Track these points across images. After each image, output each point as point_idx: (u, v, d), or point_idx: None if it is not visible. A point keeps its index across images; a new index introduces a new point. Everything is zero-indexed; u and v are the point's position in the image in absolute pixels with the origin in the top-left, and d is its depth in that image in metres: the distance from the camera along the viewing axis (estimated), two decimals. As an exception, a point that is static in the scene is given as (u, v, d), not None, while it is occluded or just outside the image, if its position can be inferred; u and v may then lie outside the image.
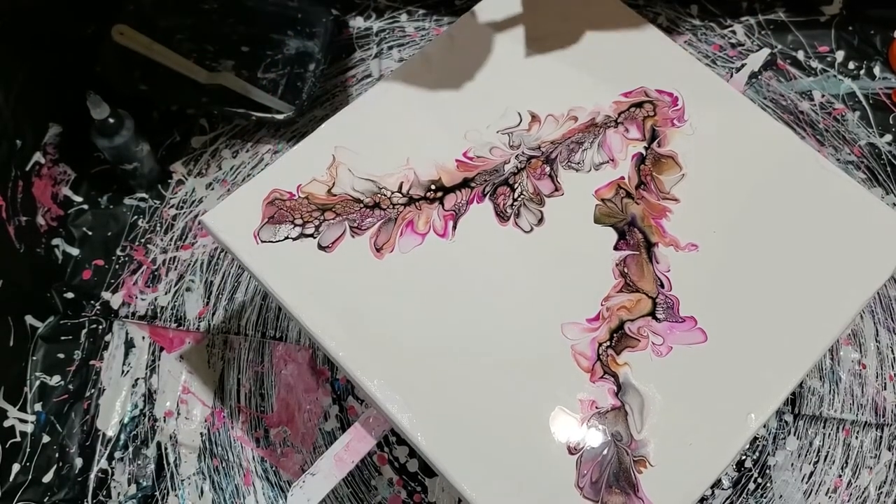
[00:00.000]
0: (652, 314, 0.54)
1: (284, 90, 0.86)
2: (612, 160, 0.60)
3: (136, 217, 0.81)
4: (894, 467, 0.73)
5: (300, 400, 0.74)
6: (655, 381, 0.52)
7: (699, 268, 0.56)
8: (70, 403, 0.73)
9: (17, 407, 0.71)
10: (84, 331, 0.76)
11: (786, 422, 0.74)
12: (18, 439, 0.70)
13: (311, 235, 0.56)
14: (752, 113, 0.63)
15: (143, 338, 0.76)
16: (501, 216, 0.57)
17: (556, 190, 0.59)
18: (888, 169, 0.86)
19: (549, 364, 0.52)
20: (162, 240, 0.80)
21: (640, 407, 0.51)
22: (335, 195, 0.57)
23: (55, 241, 0.78)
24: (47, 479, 0.70)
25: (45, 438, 0.71)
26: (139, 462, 0.71)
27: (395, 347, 0.52)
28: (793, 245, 0.57)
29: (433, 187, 0.58)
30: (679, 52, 0.65)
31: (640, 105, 0.62)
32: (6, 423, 0.70)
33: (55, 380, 0.73)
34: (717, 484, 0.72)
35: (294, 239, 0.56)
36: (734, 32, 0.93)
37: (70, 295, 0.77)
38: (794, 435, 0.74)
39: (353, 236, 0.56)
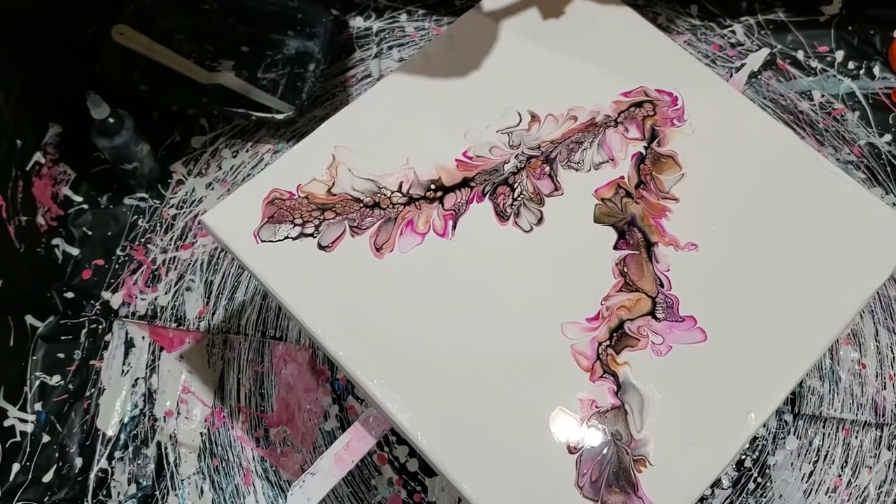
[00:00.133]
0: (652, 313, 0.54)
1: (284, 90, 0.86)
2: (612, 160, 0.60)
3: (136, 217, 0.81)
4: (894, 467, 0.73)
5: (300, 400, 0.74)
6: (655, 380, 0.52)
7: (699, 267, 0.56)
8: (70, 403, 0.73)
9: (17, 407, 0.71)
10: (84, 331, 0.76)
11: (785, 421, 0.74)
12: (18, 439, 0.70)
13: (311, 235, 0.56)
14: (751, 113, 0.63)
15: (143, 337, 0.76)
16: (501, 216, 0.57)
17: (556, 189, 0.59)
18: (888, 169, 0.86)
19: (549, 363, 0.52)
20: (162, 240, 0.80)
21: (639, 406, 0.51)
22: (335, 195, 0.57)
23: (55, 241, 0.78)
24: (47, 478, 0.70)
25: (45, 438, 0.71)
26: (139, 462, 0.71)
27: (395, 347, 0.53)
28: (792, 245, 0.57)
29: (433, 187, 0.58)
30: (679, 52, 0.65)
31: (639, 105, 0.62)
32: (6, 423, 0.70)
33: (55, 380, 0.73)
34: (717, 483, 0.72)
35: (294, 238, 0.56)
36: (734, 32, 0.93)
37: (70, 295, 0.77)
38: (794, 434, 0.74)
39: (352, 236, 0.56)
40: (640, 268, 0.56)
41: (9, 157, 0.73)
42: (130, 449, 0.72)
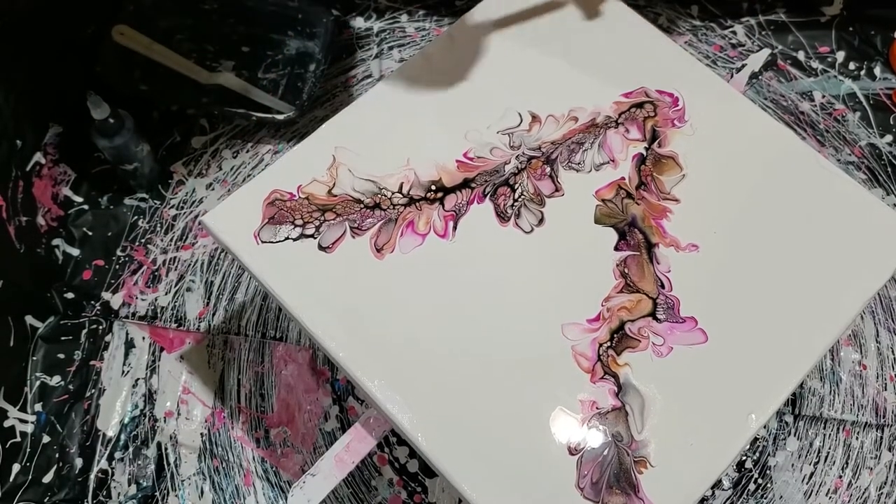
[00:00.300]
0: (652, 315, 0.54)
1: (285, 90, 0.86)
2: (613, 161, 0.60)
3: (136, 217, 0.81)
4: (895, 468, 0.73)
5: (300, 400, 0.74)
6: (656, 381, 0.52)
7: (700, 268, 0.56)
8: (70, 403, 0.73)
9: (18, 407, 0.71)
10: (84, 331, 0.76)
11: (786, 422, 0.74)
12: (18, 439, 0.70)
13: (312, 236, 0.56)
14: (752, 113, 0.63)
15: (144, 338, 0.76)
16: (502, 216, 0.57)
17: (557, 190, 0.59)
18: (888, 169, 0.86)
19: (550, 364, 0.52)
20: (162, 240, 0.80)
21: (640, 407, 0.51)
22: (335, 196, 0.57)
23: (55, 242, 0.78)
24: (47, 479, 0.70)
25: (46, 438, 0.71)
26: (139, 462, 0.71)
27: (395, 348, 0.52)
28: (793, 245, 0.57)
29: (433, 188, 0.58)
30: (679, 53, 0.65)
31: (640, 105, 0.62)
32: (6, 424, 0.70)
33: (55, 380, 0.73)
34: (718, 484, 0.72)
35: (294, 239, 0.55)
36: (734, 33, 0.93)
37: (70, 295, 0.77)
38: (795, 435, 0.74)
39: (353, 237, 0.56)
40: (641, 269, 0.56)
41: (9, 157, 0.73)
42: (131, 449, 0.72)
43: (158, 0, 0.87)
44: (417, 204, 0.57)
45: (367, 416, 0.54)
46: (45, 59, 0.78)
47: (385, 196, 0.57)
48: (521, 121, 0.61)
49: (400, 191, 0.58)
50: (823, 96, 0.89)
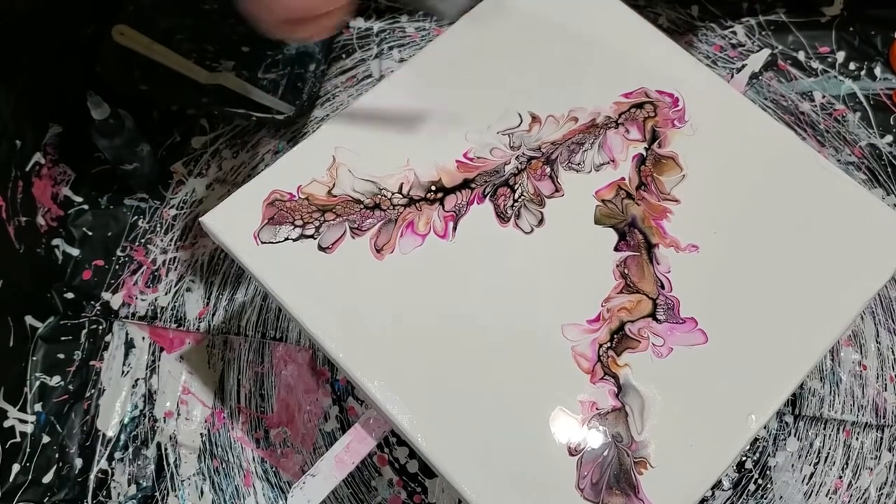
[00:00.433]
0: (652, 315, 0.54)
1: (285, 90, 0.86)
2: (613, 161, 0.60)
3: (136, 217, 0.81)
4: (895, 468, 0.73)
5: (300, 401, 0.74)
6: (656, 382, 0.52)
7: (700, 269, 0.56)
8: (70, 404, 0.73)
9: (17, 407, 0.71)
10: (84, 331, 0.76)
11: (786, 423, 0.74)
12: (18, 439, 0.70)
13: (312, 236, 0.56)
14: (752, 114, 0.63)
15: (143, 338, 0.76)
16: (502, 217, 0.57)
17: (557, 191, 0.58)
18: (889, 170, 0.86)
19: (550, 365, 0.52)
20: (162, 240, 0.80)
21: (640, 408, 0.51)
22: (335, 196, 0.57)
23: (55, 242, 0.78)
24: (47, 479, 0.70)
25: (45, 439, 0.71)
26: (139, 462, 0.71)
27: (395, 348, 0.52)
28: (793, 246, 0.57)
29: (433, 188, 0.58)
30: (680, 53, 0.65)
31: (640, 106, 0.62)
32: (6, 424, 0.70)
33: (55, 380, 0.73)
34: (718, 485, 0.72)
35: (294, 240, 0.55)
36: (735, 33, 0.93)
37: (70, 295, 0.77)
38: (795, 436, 0.74)
39: (353, 237, 0.56)
40: (641, 269, 0.56)
41: (9, 157, 0.73)
42: (130, 450, 0.72)
43: (158, 0, 0.87)
44: (417, 204, 0.57)
45: (367, 416, 0.54)
46: (45, 59, 0.78)
47: (385, 196, 0.57)
48: (521, 121, 0.61)
49: (400, 191, 0.58)
50: (824, 96, 0.89)
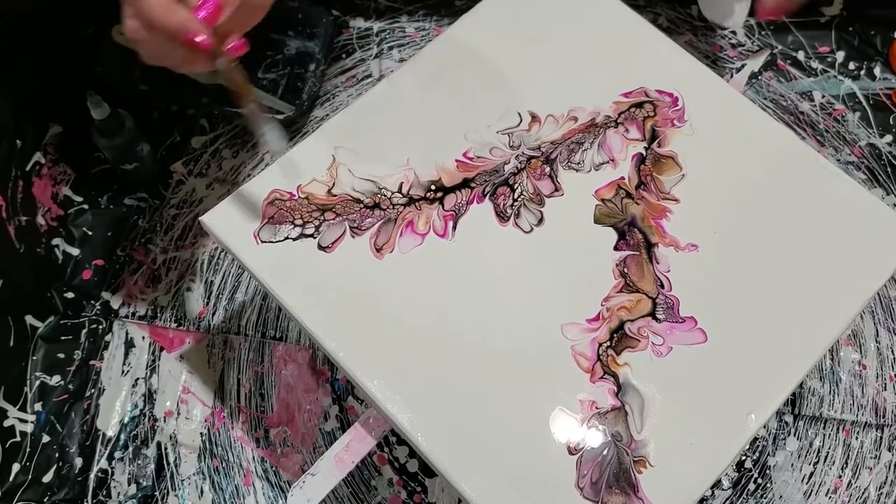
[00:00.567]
0: (652, 314, 0.54)
1: (284, 90, 0.86)
2: (612, 160, 0.60)
3: (136, 217, 0.81)
4: (894, 468, 0.73)
5: (300, 400, 0.74)
6: (655, 381, 0.52)
7: (699, 268, 0.56)
8: (70, 403, 0.73)
9: (17, 407, 0.71)
10: (84, 331, 0.76)
11: (786, 422, 0.74)
12: (18, 439, 0.70)
13: (312, 236, 0.56)
14: (752, 113, 0.63)
15: (143, 338, 0.76)
16: (501, 216, 0.57)
17: (556, 190, 0.59)
18: (888, 169, 0.86)
19: (549, 364, 0.52)
20: (162, 240, 0.80)
21: (640, 407, 0.51)
22: (335, 195, 0.57)
23: (55, 241, 0.78)
24: (47, 478, 0.70)
25: (45, 438, 0.71)
26: (139, 462, 0.71)
27: (395, 348, 0.52)
28: (793, 245, 0.57)
29: (433, 187, 0.58)
30: (679, 53, 0.65)
31: (640, 105, 0.62)
32: (6, 423, 0.70)
33: (55, 380, 0.73)
34: (717, 484, 0.72)
35: (294, 239, 0.55)
36: (734, 33, 0.93)
37: (70, 295, 0.77)
38: (794, 435, 0.74)
39: (353, 237, 0.56)
40: (641, 268, 0.56)
41: (9, 157, 0.73)
42: (130, 449, 0.72)
43: (158, 0, 0.87)
44: (417, 204, 0.57)
45: (367, 415, 0.54)
46: (45, 59, 0.78)
47: (385, 196, 0.57)
48: (521, 121, 0.61)
49: (399, 191, 0.58)
50: (823, 96, 0.89)
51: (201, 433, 0.72)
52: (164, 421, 0.73)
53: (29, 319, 0.74)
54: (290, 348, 0.76)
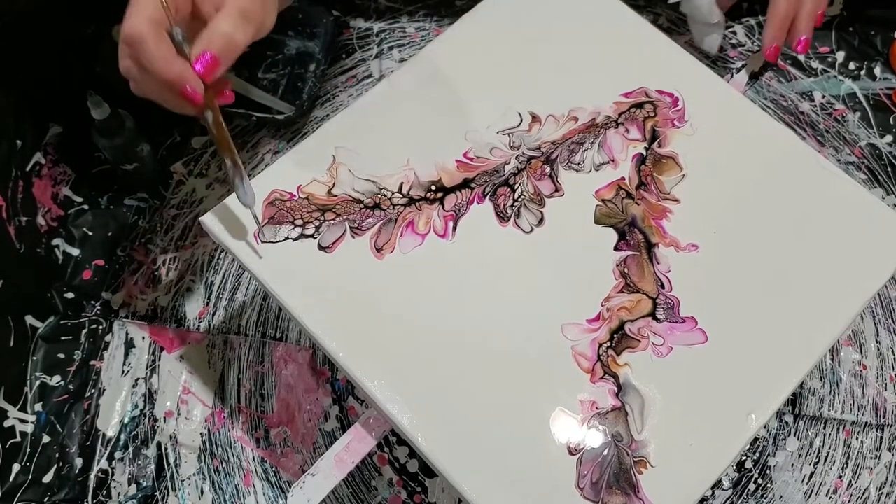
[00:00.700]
0: (652, 315, 0.54)
1: (285, 90, 0.86)
2: (613, 161, 0.60)
3: (136, 217, 0.81)
4: (895, 468, 0.73)
5: (300, 400, 0.74)
6: (656, 381, 0.52)
7: (700, 268, 0.56)
8: (70, 403, 0.73)
9: (18, 407, 0.71)
10: (84, 331, 0.76)
11: (786, 422, 0.74)
12: (18, 439, 0.70)
13: (312, 236, 0.56)
14: (752, 113, 0.63)
15: (144, 338, 0.76)
16: (502, 217, 0.57)
17: (557, 190, 0.59)
18: (889, 170, 0.86)
19: (550, 365, 0.52)
20: (162, 240, 0.80)
21: (640, 407, 0.51)
22: (335, 196, 0.57)
23: (55, 241, 0.78)
24: (47, 479, 0.70)
25: (45, 438, 0.71)
26: (139, 462, 0.71)
27: (395, 348, 0.52)
28: (793, 245, 0.57)
29: (433, 188, 0.58)
30: (680, 53, 0.65)
31: (640, 105, 0.62)
32: (6, 423, 0.70)
33: (55, 380, 0.73)
34: (718, 484, 0.72)
35: (294, 239, 0.55)
36: (735, 33, 0.93)
37: (70, 295, 0.77)
38: (795, 436, 0.74)
39: (353, 237, 0.56)
40: (641, 269, 0.56)
41: (9, 157, 0.73)
42: (130, 449, 0.72)
43: (158, 0, 0.87)
44: (417, 204, 0.57)
45: (367, 416, 0.54)
46: (45, 59, 0.78)
47: (385, 196, 0.57)
48: (521, 121, 0.61)
49: (400, 191, 0.58)
50: (823, 96, 0.89)
51: (201, 433, 0.72)
52: (165, 421, 0.73)
53: (29, 320, 0.74)
54: (290, 348, 0.76)
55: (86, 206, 0.81)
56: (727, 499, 0.71)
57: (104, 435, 0.72)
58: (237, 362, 0.75)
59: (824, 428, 0.74)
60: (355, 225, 0.56)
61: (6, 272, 0.70)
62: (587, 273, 0.56)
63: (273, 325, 0.77)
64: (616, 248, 0.56)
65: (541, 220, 0.57)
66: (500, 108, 0.61)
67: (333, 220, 0.56)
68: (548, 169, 0.59)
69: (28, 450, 0.70)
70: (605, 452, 0.50)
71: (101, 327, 0.76)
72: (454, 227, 0.57)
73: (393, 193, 0.58)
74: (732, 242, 0.57)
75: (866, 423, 0.74)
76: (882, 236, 0.58)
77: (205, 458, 0.72)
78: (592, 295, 0.55)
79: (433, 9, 0.93)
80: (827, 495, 0.72)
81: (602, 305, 0.54)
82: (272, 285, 0.54)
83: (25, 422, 0.71)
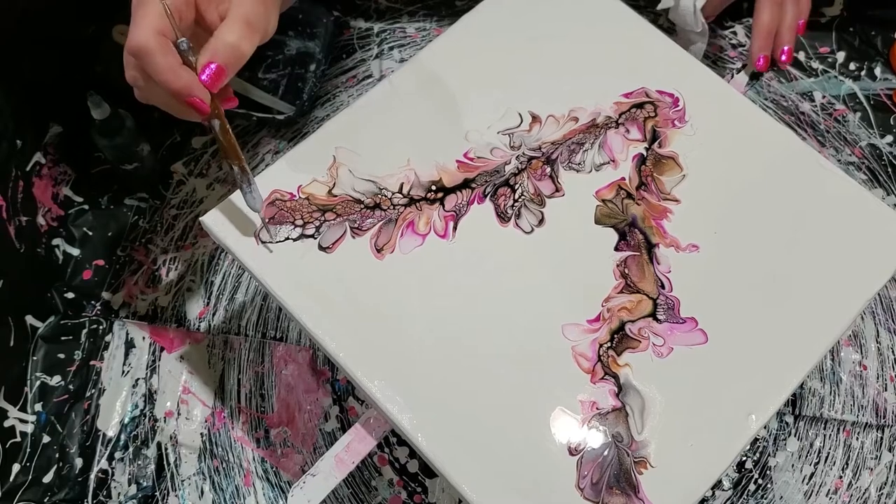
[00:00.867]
0: (653, 315, 0.54)
1: (285, 90, 0.86)
2: (613, 161, 0.60)
3: (136, 217, 0.81)
4: (895, 468, 0.73)
5: (300, 400, 0.74)
6: (656, 382, 0.52)
7: (700, 269, 0.56)
8: (70, 403, 0.73)
9: (18, 407, 0.71)
10: (84, 331, 0.76)
11: (786, 423, 0.74)
12: (18, 439, 0.70)
13: (312, 236, 0.56)
14: (752, 114, 0.63)
15: (144, 338, 0.76)
16: (502, 217, 0.57)
17: (557, 191, 0.59)
18: (889, 170, 0.86)
19: (550, 365, 0.52)
20: (162, 240, 0.80)
21: (640, 408, 0.51)
22: (336, 196, 0.57)
23: (55, 241, 0.78)
24: (47, 479, 0.70)
25: (46, 438, 0.71)
26: (139, 462, 0.71)
27: (395, 348, 0.52)
28: (793, 246, 0.57)
29: (434, 188, 0.58)
30: (680, 53, 0.65)
31: (640, 106, 0.62)
32: (6, 423, 0.70)
33: (55, 380, 0.73)
34: (718, 485, 0.72)
35: (294, 240, 0.55)
36: (735, 33, 0.93)
37: (70, 295, 0.77)
38: (795, 436, 0.74)
39: (353, 237, 0.56)
40: (641, 269, 0.56)
41: (9, 157, 0.73)
42: (131, 449, 0.72)
43: (159, 0, 0.87)
44: (417, 204, 0.57)
45: (368, 416, 0.54)
46: (45, 59, 0.78)
47: (385, 196, 0.57)
48: (522, 121, 0.61)
49: (400, 191, 0.58)
50: (824, 97, 0.89)
51: (201, 433, 0.72)
52: (165, 421, 0.73)
53: (29, 319, 0.74)
54: (290, 349, 0.76)
55: (86, 206, 0.81)
56: (727, 499, 0.71)
57: (104, 435, 0.72)
58: (237, 362, 0.75)
59: (824, 428, 0.74)
60: (356, 225, 0.56)
61: (6, 272, 0.70)
62: (587, 273, 0.56)
63: (273, 326, 0.77)
64: (616, 249, 0.56)
65: (541, 221, 0.57)
66: (501, 109, 0.61)
67: (334, 220, 0.56)
68: (548, 169, 0.59)
69: (28, 450, 0.70)
70: (606, 453, 0.50)
71: (101, 327, 0.76)
72: (454, 228, 0.57)
73: (393, 194, 0.58)
74: (733, 243, 0.57)
75: (866, 423, 0.74)
76: (882, 236, 0.58)
77: (205, 458, 0.71)
78: (593, 295, 0.55)
79: (433, 9, 0.93)
80: (827, 496, 0.72)
81: (602, 306, 0.54)
82: (272, 286, 0.54)
83: (25, 422, 0.71)
